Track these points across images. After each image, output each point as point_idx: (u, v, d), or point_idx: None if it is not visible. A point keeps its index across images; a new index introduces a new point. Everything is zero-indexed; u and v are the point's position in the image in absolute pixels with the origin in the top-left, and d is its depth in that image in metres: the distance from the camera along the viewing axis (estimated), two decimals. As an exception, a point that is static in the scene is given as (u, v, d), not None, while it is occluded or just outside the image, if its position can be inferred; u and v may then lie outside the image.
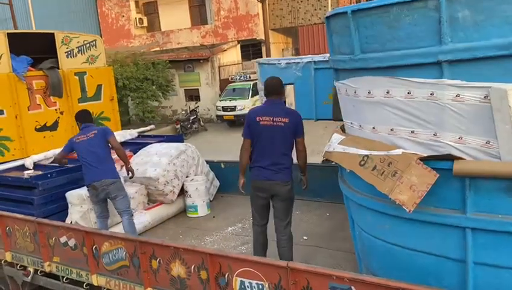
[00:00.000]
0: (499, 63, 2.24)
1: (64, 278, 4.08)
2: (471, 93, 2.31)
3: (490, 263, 2.44)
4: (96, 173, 4.64)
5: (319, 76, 5.15)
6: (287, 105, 4.43)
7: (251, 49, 20.83)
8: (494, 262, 2.43)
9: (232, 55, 19.74)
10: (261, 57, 19.00)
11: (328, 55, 4.96)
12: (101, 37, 15.83)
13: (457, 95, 2.35)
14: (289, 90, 5.79)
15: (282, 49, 21.21)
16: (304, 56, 5.69)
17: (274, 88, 3.91)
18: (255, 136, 3.86)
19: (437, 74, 2.42)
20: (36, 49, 6.26)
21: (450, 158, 2.38)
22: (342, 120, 4.97)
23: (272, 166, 3.80)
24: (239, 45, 20.31)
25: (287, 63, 5.36)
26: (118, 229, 4.92)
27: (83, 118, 4.97)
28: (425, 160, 2.43)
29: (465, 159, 2.38)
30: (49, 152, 5.68)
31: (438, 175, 2.36)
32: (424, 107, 2.49)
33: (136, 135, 6.94)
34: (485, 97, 2.26)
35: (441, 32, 2.34)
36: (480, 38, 2.25)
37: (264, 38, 17.34)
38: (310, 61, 5.21)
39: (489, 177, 2.29)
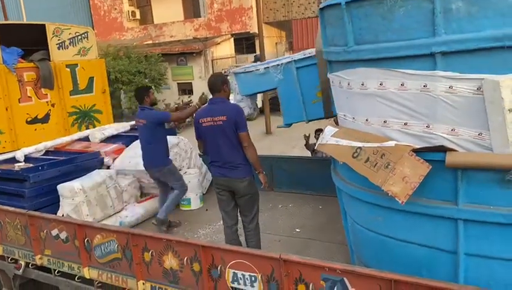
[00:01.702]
0: (492, 54, 2.24)
1: (56, 271, 4.05)
2: (464, 85, 2.31)
3: (481, 254, 2.46)
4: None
5: (303, 75, 4.89)
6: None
7: (244, 43, 20.74)
8: (485, 253, 2.44)
9: (225, 49, 19.65)
10: (255, 50, 18.97)
11: (308, 51, 4.89)
12: (94, 29, 15.68)
13: (451, 87, 2.35)
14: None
15: (276, 43, 21.14)
16: (282, 57, 5.43)
17: (213, 85, 3.90)
18: (203, 137, 3.95)
19: (430, 65, 2.41)
20: (27, 40, 6.20)
21: (443, 150, 2.38)
22: (335, 116, 4.94)
23: (225, 164, 3.86)
24: (232, 38, 20.21)
25: (265, 68, 5.01)
26: (110, 223, 4.90)
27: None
28: (418, 152, 2.43)
29: (457, 150, 2.38)
30: (40, 145, 5.63)
31: (430, 167, 2.36)
32: (417, 99, 2.49)
33: (129, 127, 6.89)
34: (478, 89, 2.26)
35: (435, 24, 2.33)
36: (474, 30, 2.25)
37: (257, 31, 17.27)
38: (290, 61, 4.93)
39: (481, 168, 2.30)
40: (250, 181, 3.90)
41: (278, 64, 4.99)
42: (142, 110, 4.98)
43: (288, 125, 5.07)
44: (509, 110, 2.16)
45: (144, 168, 5.36)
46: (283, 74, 4.94)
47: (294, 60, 4.91)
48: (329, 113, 4.78)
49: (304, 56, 4.86)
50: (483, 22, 2.23)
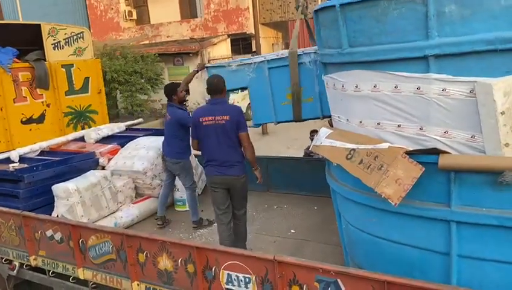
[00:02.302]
0: (484, 57, 2.26)
1: (50, 272, 4.05)
2: (457, 88, 2.32)
3: (474, 256, 2.47)
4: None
5: (275, 76, 4.85)
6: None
7: (241, 43, 20.74)
8: (477, 255, 2.46)
9: (221, 49, 19.64)
10: (251, 51, 18.94)
11: (281, 52, 4.88)
12: (90, 29, 15.60)
13: (444, 90, 2.36)
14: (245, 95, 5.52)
15: (273, 44, 21.16)
16: (255, 56, 5.37)
17: (216, 87, 4.03)
18: (201, 136, 4.05)
19: (424, 68, 2.42)
20: (22, 40, 6.17)
21: (436, 152, 2.39)
22: (303, 120, 4.90)
23: (222, 163, 4.00)
24: (229, 38, 20.20)
25: (238, 65, 4.98)
26: (105, 224, 4.90)
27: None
28: (411, 154, 2.44)
29: (450, 153, 2.40)
30: (35, 145, 5.59)
31: (423, 169, 2.37)
32: (411, 102, 2.50)
33: (124, 128, 6.87)
34: (470, 92, 2.28)
35: (428, 27, 2.34)
36: (467, 33, 2.26)
37: (254, 32, 17.28)
38: (263, 61, 4.88)
39: (474, 171, 2.31)
40: (246, 179, 4.13)
41: (250, 63, 4.95)
42: (170, 106, 5.18)
43: (257, 125, 5.06)
44: (501, 112, 2.17)
45: (139, 169, 5.37)
46: (255, 72, 4.90)
47: (267, 60, 4.88)
48: (298, 116, 4.83)
49: (277, 57, 4.83)
50: (476, 25, 2.24)
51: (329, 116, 4.90)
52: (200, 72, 5.26)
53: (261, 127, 13.76)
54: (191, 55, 18.16)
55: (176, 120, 5.04)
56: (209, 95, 4.14)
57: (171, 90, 5.19)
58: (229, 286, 2.90)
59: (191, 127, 4.20)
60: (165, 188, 5.40)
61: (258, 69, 4.79)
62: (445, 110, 2.38)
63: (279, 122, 4.92)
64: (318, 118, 4.89)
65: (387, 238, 2.81)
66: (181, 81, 5.31)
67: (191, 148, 5.06)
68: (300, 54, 4.69)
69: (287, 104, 4.79)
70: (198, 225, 5.19)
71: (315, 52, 4.62)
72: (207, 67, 5.26)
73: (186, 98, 5.36)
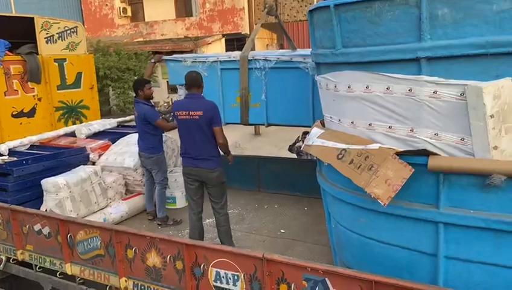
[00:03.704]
0: (475, 61, 2.28)
1: (38, 267, 4.01)
2: (448, 91, 2.34)
3: (461, 258, 2.50)
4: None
5: (226, 77, 4.89)
6: None
7: (236, 43, 20.70)
8: (464, 257, 2.48)
9: (216, 49, 19.61)
10: (245, 51, 18.90)
11: (234, 54, 4.90)
12: (84, 25, 15.47)
13: (435, 92, 2.38)
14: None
15: (267, 45, 21.17)
16: (209, 54, 5.38)
17: (193, 82, 4.07)
18: (178, 128, 4.14)
19: (416, 70, 2.44)
20: (15, 33, 6.12)
21: (426, 154, 2.42)
22: (250, 125, 5.02)
23: (197, 156, 4.08)
24: (224, 38, 20.18)
25: (192, 62, 5.01)
26: (94, 219, 4.86)
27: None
28: (401, 155, 2.46)
29: (440, 155, 2.42)
30: (25, 139, 5.54)
31: (413, 170, 2.39)
32: (402, 103, 2.52)
33: (116, 124, 6.84)
34: (461, 94, 2.30)
35: (421, 29, 2.37)
36: (458, 36, 2.29)
37: (249, 33, 17.30)
38: (216, 61, 4.90)
39: (462, 173, 2.34)
40: (220, 172, 4.15)
41: (204, 61, 4.95)
42: (137, 103, 5.17)
43: None
44: (490, 116, 2.20)
45: (129, 165, 5.36)
46: (208, 71, 4.92)
47: (220, 60, 4.88)
48: (245, 120, 4.91)
49: (229, 58, 4.82)
50: (467, 29, 2.27)
51: (275, 124, 4.98)
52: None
53: (253, 127, 13.86)
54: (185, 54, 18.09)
55: (143, 116, 5.02)
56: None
57: (139, 84, 5.15)
58: (218, 284, 2.90)
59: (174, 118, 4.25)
60: (147, 184, 5.44)
61: (211, 68, 4.81)
62: (435, 112, 2.40)
63: (227, 124, 4.95)
64: (263, 125, 4.99)
65: (376, 239, 2.83)
66: (146, 79, 5.29)
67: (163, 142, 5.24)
68: (251, 60, 4.74)
69: (235, 106, 4.86)
70: (163, 222, 5.19)
71: (265, 59, 4.69)
72: (165, 59, 5.29)
73: (153, 95, 5.34)
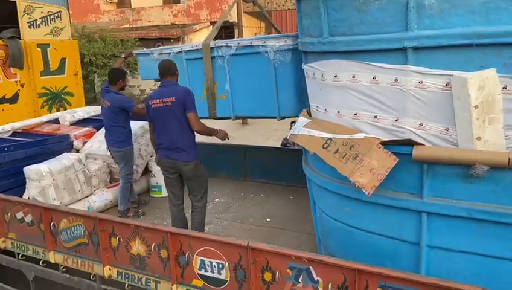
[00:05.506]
0: (461, 51, 2.28)
1: (20, 255, 3.96)
2: (434, 81, 2.35)
3: (443, 247, 2.53)
4: None
5: (192, 68, 4.65)
6: None
7: (223, 32, 20.53)
8: (446, 246, 2.51)
9: (203, 36, 19.08)
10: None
11: (196, 43, 4.70)
12: (69, 11, 15.19)
13: (420, 82, 2.39)
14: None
15: (255, 33, 21.04)
16: (175, 46, 5.15)
17: (167, 69, 3.97)
18: (153, 119, 3.99)
19: (402, 60, 2.44)
20: (-4, 17, 5.99)
21: (410, 143, 2.43)
22: (219, 118, 4.70)
23: (172, 146, 3.92)
24: (211, 26, 20.01)
25: (159, 54, 4.79)
26: (78, 207, 4.82)
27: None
28: (386, 144, 2.47)
29: (424, 145, 2.43)
30: (7, 125, 5.45)
31: (397, 160, 2.40)
32: (388, 93, 2.52)
33: (100, 111, 6.76)
34: (446, 85, 2.31)
35: (408, 19, 2.36)
36: (445, 27, 2.29)
37: (237, 21, 17.15)
38: (180, 51, 4.66)
39: (446, 163, 2.35)
40: (196, 164, 3.98)
41: (169, 52, 4.74)
42: (108, 93, 4.94)
43: None
44: (474, 106, 2.21)
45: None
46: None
47: (184, 51, 4.65)
48: (213, 113, 4.66)
49: (192, 48, 4.61)
50: (454, 19, 2.26)
51: (242, 117, 4.71)
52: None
53: (240, 116, 13.83)
54: (172, 40, 17.91)
55: (117, 105, 4.86)
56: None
57: (121, 74, 5.00)
58: (202, 272, 2.89)
59: (146, 111, 4.08)
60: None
61: (176, 59, 4.44)
62: (421, 102, 2.41)
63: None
64: (230, 118, 4.69)
65: (360, 228, 2.85)
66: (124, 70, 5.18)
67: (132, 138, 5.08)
68: (213, 47, 4.49)
69: (203, 99, 4.61)
70: (123, 215, 5.02)
71: (226, 46, 4.44)
72: (136, 53, 5.14)
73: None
